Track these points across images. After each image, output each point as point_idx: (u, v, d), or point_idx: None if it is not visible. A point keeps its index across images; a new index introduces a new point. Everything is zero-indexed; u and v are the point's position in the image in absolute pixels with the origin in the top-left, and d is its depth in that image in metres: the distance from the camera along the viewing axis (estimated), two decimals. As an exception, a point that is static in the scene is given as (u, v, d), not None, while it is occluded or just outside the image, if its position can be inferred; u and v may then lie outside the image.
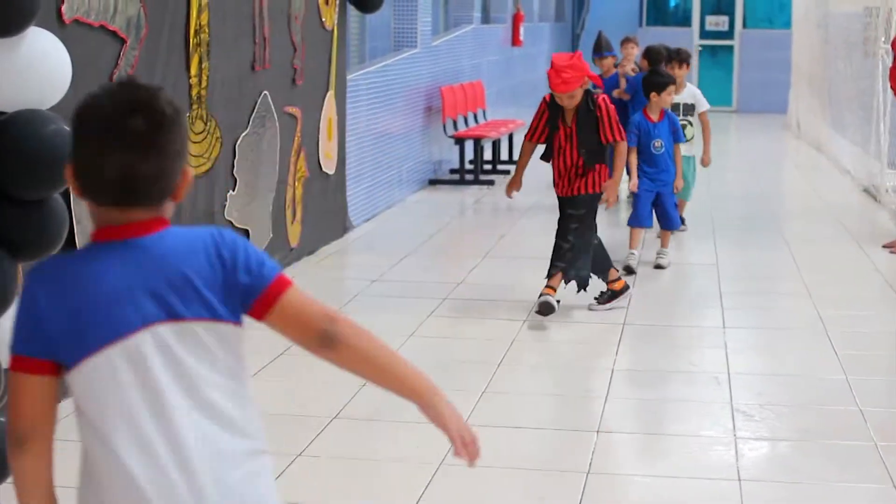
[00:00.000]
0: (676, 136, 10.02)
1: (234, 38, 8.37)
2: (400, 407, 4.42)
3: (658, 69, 10.85)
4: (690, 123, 11.10)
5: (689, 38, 26.38)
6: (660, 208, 10.00)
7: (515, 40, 20.17)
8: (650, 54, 13.11)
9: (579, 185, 8.23)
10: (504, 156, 16.66)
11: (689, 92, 11.37)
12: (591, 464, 5.54)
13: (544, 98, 8.39)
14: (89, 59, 6.34)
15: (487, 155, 15.97)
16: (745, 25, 26.55)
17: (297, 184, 9.76)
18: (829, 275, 9.65)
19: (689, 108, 11.25)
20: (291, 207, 9.65)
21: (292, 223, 9.67)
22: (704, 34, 26.72)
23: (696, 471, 5.51)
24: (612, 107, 8.14)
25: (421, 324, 6.94)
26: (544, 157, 8.52)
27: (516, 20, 20.12)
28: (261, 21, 8.79)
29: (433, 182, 14.45)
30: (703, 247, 10.81)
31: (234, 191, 8.45)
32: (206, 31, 7.78)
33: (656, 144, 9.86)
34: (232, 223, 8.45)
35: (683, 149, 10.48)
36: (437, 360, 6.23)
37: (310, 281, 9.40)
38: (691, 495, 5.24)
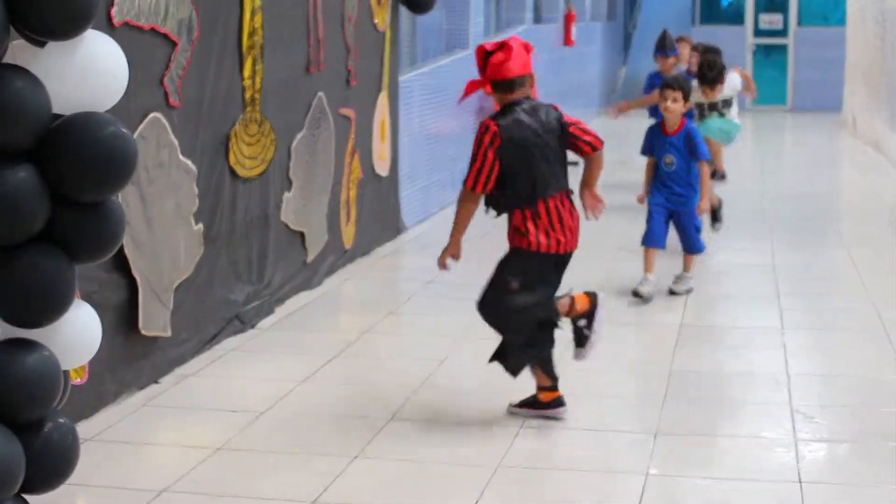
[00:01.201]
0: (695, 153, 8.81)
1: (289, 40, 8.37)
2: (457, 408, 4.45)
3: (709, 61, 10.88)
4: (726, 114, 11.41)
5: (742, 37, 26.23)
6: (679, 229, 9.03)
7: (567, 40, 20.11)
8: (708, 54, 13.08)
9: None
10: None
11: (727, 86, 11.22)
12: (649, 466, 5.50)
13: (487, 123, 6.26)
14: (139, 62, 6.35)
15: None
16: (799, 23, 26.34)
17: (351, 185, 9.76)
18: (887, 275, 9.54)
19: (727, 103, 11.37)
20: (346, 209, 9.65)
21: (346, 225, 9.67)
22: (758, 32, 26.54)
23: (756, 473, 5.45)
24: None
25: (474, 325, 6.86)
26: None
27: (568, 20, 20.05)
28: (315, 23, 8.79)
29: (486, 183, 14.38)
30: (760, 247, 10.72)
31: (289, 192, 8.45)
32: (260, 33, 7.78)
33: (666, 161, 8.87)
34: (287, 225, 8.45)
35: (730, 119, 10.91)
36: (484, 359, 6.22)
37: (364, 282, 9.40)
38: (751, 498, 5.19)
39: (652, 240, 8.90)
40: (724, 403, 6.47)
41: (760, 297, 8.85)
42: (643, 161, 9.20)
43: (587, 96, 22.97)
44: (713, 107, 10.94)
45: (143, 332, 6.53)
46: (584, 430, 6.05)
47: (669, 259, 9.18)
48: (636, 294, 8.61)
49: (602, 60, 24.68)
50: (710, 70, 10.69)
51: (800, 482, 5.30)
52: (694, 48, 13.55)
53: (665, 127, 8.94)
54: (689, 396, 6.59)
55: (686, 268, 9.04)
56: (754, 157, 18.16)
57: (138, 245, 6.44)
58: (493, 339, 6.24)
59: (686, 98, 8.88)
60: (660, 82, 13.02)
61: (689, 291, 8.89)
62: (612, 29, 26.13)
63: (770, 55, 26.43)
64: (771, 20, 26.46)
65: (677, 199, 8.89)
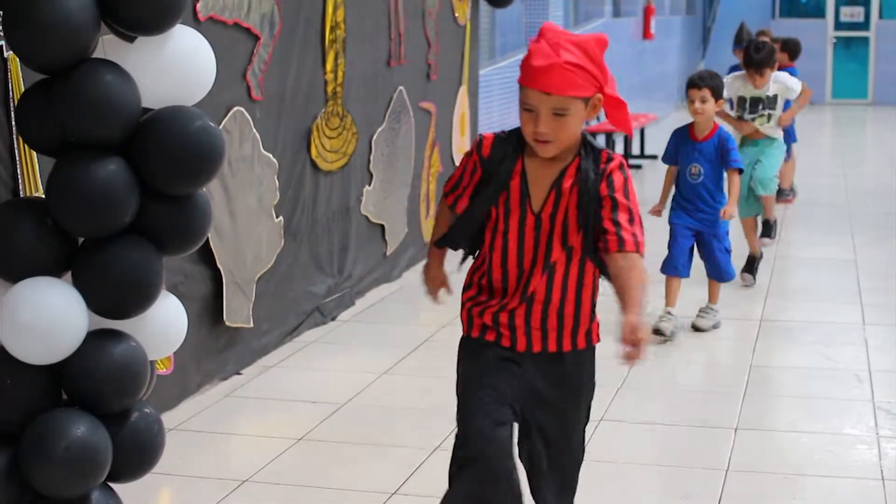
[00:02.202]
0: (726, 160, 7.57)
1: (371, 34, 8.41)
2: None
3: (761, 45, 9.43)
4: (771, 116, 9.48)
5: (822, 30, 25.99)
6: (704, 253, 7.74)
7: (646, 34, 20.05)
8: (789, 47, 12.92)
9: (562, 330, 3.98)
10: (636, 150, 16.56)
11: (775, 82, 9.52)
12: (730, 461, 5.49)
13: (481, 138, 3.96)
14: (223, 57, 6.38)
15: (619, 149, 15.88)
16: (881, 16, 26.06)
17: (431, 179, 9.79)
18: (971, 270, 9.44)
19: (772, 101, 9.49)
20: (426, 202, 9.68)
21: (426, 218, 9.70)
22: (839, 25, 26.28)
23: (839, 469, 5.42)
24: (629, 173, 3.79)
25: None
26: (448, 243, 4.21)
27: (647, 13, 19.99)
28: (396, 17, 8.82)
29: (565, 177, 14.34)
30: (842, 241, 10.63)
31: (370, 186, 8.49)
32: (343, 27, 7.83)
33: (692, 171, 7.61)
34: (368, 218, 8.50)
35: (768, 130, 9.39)
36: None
37: (443, 275, 9.41)
38: (833, 495, 5.16)
39: (674, 267, 7.64)
40: (805, 399, 6.43)
41: (842, 293, 8.78)
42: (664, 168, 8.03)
43: (666, 90, 22.86)
44: (757, 103, 9.43)
45: (227, 323, 6.60)
46: (663, 424, 6.04)
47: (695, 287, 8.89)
48: (657, 332, 7.33)
49: (681, 54, 24.55)
50: (758, 52, 9.34)
51: (882, 479, 5.26)
52: (774, 41, 13.43)
53: (694, 131, 7.67)
54: (770, 392, 6.56)
55: (712, 298, 7.81)
56: (835, 150, 18.01)
57: (222, 237, 6.51)
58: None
59: (718, 95, 7.57)
60: None
61: (716, 327, 7.73)
62: (691, 23, 25.98)
63: (851, 48, 26.16)
64: (852, 13, 26.18)
65: (704, 218, 7.61)
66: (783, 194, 12.68)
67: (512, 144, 3.87)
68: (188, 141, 3.79)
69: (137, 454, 4.00)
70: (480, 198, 3.86)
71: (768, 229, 9.97)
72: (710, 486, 5.19)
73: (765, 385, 6.64)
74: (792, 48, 12.88)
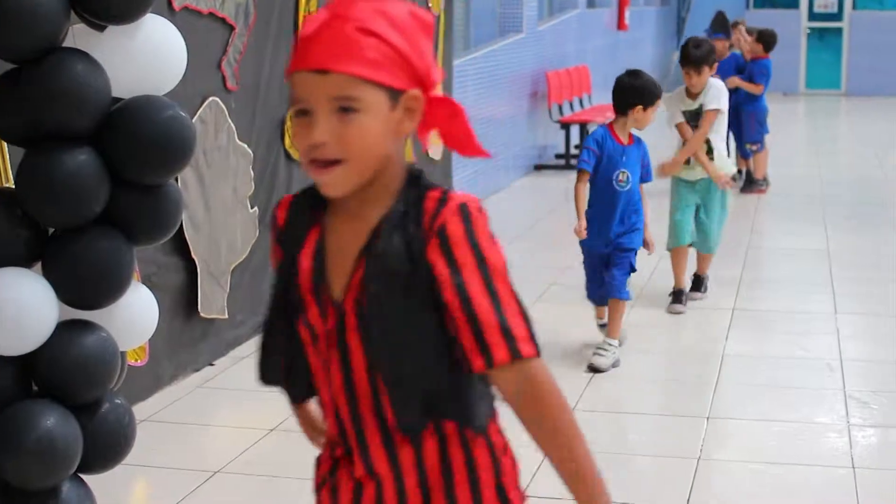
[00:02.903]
0: (646, 171, 6.89)
1: (343, 23, 8.38)
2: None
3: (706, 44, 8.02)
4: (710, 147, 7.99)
5: (796, 21, 26.05)
6: (608, 266, 6.82)
7: (621, 24, 20.07)
8: (764, 38, 12.93)
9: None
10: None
11: (709, 91, 8.00)
12: (701, 450, 5.50)
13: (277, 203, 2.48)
14: (198, 47, 6.40)
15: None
16: (854, 7, 26.14)
17: (404, 169, 9.78)
18: (943, 260, 9.48)
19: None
20: (398, 193, 9.67)
21: (399, 208, 9.69)
22: (813, 16, 26.36)
23: (810, 458, 5.44)
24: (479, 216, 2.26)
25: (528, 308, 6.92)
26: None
27: (621, 4, 20.01)
28: (368, 7, 8.80)
29: (539, 167, 14.40)
30: (814, 231, 10.67)
31: (342, 176, 8.48)
32: (315, 17, 7.81)
33: (620, 178, 6.71)
34: (340, 208, 8.48)
35: (706, 169, 7.86)
36: (544, 345, 6.22)
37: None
38: (804, 483, 5.18)
39: (599, 296, 7.03)
40: (777, 388, 6.45)
41: (814, 282, 8.81)
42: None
43: (640, 80, 22.86)
44: (697, 117, 7.95)
45: (201, 314, 6.59)
46: (636, 413, 6.05)
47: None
48: (593, 369, 6.59)
49: (655, 45, 24.59)
50: (698, 48, 7.97)
51: (853, 468, 5.29)
52: (749, 32, 13.44)
53: (618, 135, 6.78)
54: (741, 381, 6.58)
55: (611, 331, 6.78)
56: (808, 140, 18.07)
57: (197, 228, 6.50)
58: (546, 322, 6.22)
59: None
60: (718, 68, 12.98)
61: (615, 365, 6.68)
62: (665, 13, 26.03)
63: (825, 39, 26.24)
64: (826, 3, 26.26)
65: (625, 232, 6.77)
66: (756, 184, 12.72)
67: (309, 201, 2.38)
68: (158, 131, 3.78)
69: (108, 445, 3.99)
70: (273, 293, 2.45)
71: (699, 283, 8.36)
72: (681, 476, 5.20)
73: (737, 374, 6.66)
74: (767, 39, 12.88)
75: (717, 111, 7.87)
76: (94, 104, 3.70)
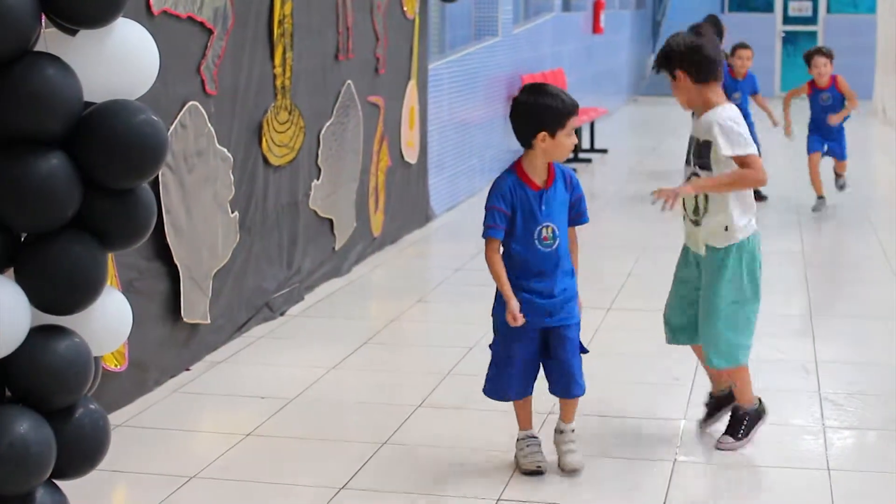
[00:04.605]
0: (578, 213, 5.26)
1: (318, 27, 8.39)
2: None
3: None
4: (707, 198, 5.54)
5: (771, 25, 26.13)
6: (553, 361, 5.23)
7: (596, 28, 20.09)
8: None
9: None
10: (585, 144, 16.60)
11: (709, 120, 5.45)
12: (677, 452, 5.51)
13: None
14: (177, 51, 6.41)
15: (569, 143, 15.92)
16: (828, 10, 26.24)
17: (379, 173, 9.77)
18: (917, 262, 9.52)
19: (705, 150, 5.46)
20: (374, 197, 9.67)
21: (375, 212, 9.69)
22: (788, 20, 26.46)
23: (785, 460, 5.45)
24: None
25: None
26: None
27: (597, 8, 20.04)
28: (344, 10, 8.80)
29: (515, 171, 14.35)
30: (789, 234, 10.70)
31: (318, 180, 8.48)
32: (290, 21, 7.80)
33: (544, 235, 5.13)
34: (316, 212, 8.47)
35: (711, 231, 5.52)
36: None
37: (393, 270, 9.42)
38: (779, 484, 5.19)
39: (515, 392, 5.30)
40: (753, 390, 6.45)
41: (789, 284, 8.83)
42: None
43: (616, 84, 22.92)
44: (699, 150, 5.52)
45: (185, 319, 6.59)
46: (613, 416, 6.06)
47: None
48: (529, 472, 5.26)
49: (631, 48, 24.63)
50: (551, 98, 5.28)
51: (828, 469, 5.30)
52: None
53: (531, 177, 5.16)
54: (718, 384, 6.59)
55: (567, 415, 5.37)
56: (783, 143, 18.09)
57: (179, 233, 6.49)
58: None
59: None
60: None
61: (577, 469, 5.28)
62: (640, 17, 26.07)
63: (799, 42, 26.32)
64: (800, 7, 26.37)
65: (558, 307, 5.19)
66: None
67: None
68: (131, 135, 3.76)
69: (82, 451, 3.97)
70: None
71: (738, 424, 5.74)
72: (658, 478, 5.21)
73: (713, 377, 6.67)
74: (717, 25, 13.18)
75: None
76: (66, 108, 3.68)
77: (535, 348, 5.20)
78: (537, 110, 5.12)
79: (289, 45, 7.81)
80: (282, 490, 5.12)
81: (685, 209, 5.60)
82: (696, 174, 5.50)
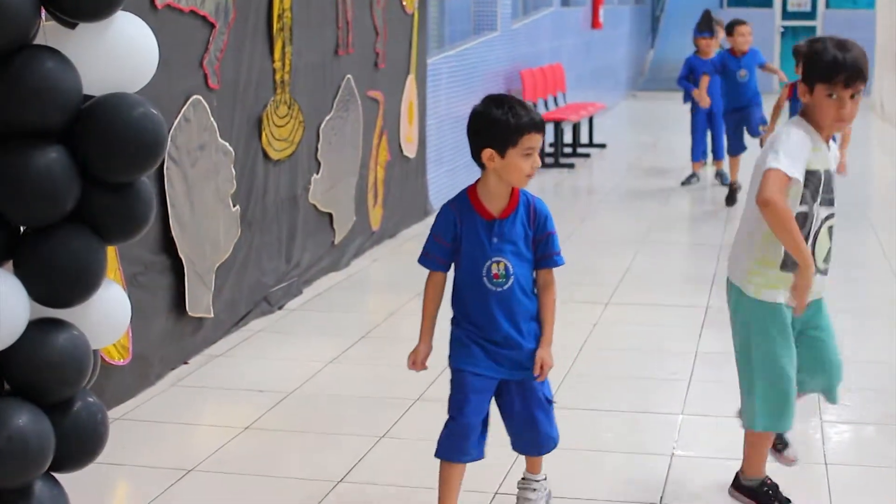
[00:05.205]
0: (544, 255, 4.45)
1: (318, 22, 8.39)
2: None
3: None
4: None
5: (770, 19, 26.13)
6: (512, 415, 4.59)
7: (595, 23, 20.09)
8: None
9: None
10: (584, 139, 16.60)
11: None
12: (675, 446, 5.52)
13: None
14: (181, 44, 6.42)
15: (568, 138, 15.92)
16: (827, 5, 26.25)
17: (378, 167, 9.78)
18: (915, 258, 9.52)
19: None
20: (373, 191, 9.67)
21: (374, 207, 9.70)
22: (786, 15, 26.47)
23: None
24: None
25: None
26: None
27: (596, 2, 20.04)
28: (343, 5, 8.80)
29: (513, 165, 14.34)
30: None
31: (317, 174, 8.48)
32: (289, 15, 7.80)
33: (494, 271, 4.39)
34: (315, 207, 8.48)
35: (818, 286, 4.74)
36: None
37: (391, 264, 9.42)
38: (777, 479, 5.19)
39: (466, 452, 4.53)
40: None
41: (787, 280, 8.82)
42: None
43: (615, 79, 22.93)
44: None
45: (189, 313, 6.60)
46: (610, 410, 6.06)
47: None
48: None
49: (629, 43, 24.63)
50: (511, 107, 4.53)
51: (825, 464, 5.31)
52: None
53: (485, 199, 4.50)
54: (715, 378, 6.60)
55: (533, 466, 4.80)
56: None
57: (183, 227, 6.50)
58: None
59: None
60: (701, 67, 13.02)
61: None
62: (639, 12, 26.07)
63: (798, 37, 26.32)
64: (799, 2, 26.39)
65: (511, 353, 4.46)
66: (724, 180, 12.79)
67: None
68: (130, 128, 3.76)
69: (80, 444, 3.97)
70: None
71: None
72: (655, 472, 5.22)
73: (710, 371, 6.68)
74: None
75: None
76: (65, 101, 3.68)
77: (486, 403, 4.48)
78: (485, 124, 4.37)
79: (288, 40, 7.81)
80: (278, 484, 5.12)
81: (816, 260, 4.63)
82: (831, 215, 4.65)
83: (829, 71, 4.43)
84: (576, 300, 8.11)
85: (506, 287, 4.37)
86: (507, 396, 4.50)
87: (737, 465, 5.27)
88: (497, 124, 4.31)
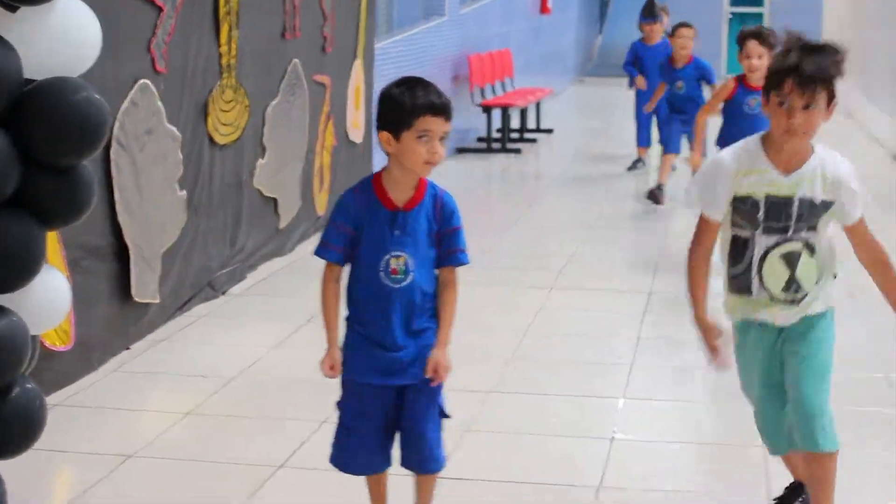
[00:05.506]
0: (448, 251, 4.09)
1: (265, 6, 8.36)
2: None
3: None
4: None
5: (718, 6, 26.25)
6: (405, 426, 4.18)
7: (544, 8, 20.12)
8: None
9: None
10: (531, 124, 16.63)
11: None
12: (615, 430, 5.55)
13: None
14: (128, 28, 6.38)
15: (515, 123, 15.93)
16: (775, -8, 26.39)
17: (324, 152, 9.76)
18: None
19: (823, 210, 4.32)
20: (319, 176, 9.66)
21: (320, 192, 9.68)
22: (734, 1, 26.57)
23: (724, 437, 5.51)
24: None
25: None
26: None
27: (545, -12, 20.06)
28: (289, -11, 8.78)
29: (460, 150, 14.42)
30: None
31: (263, 159, 8.46)
32: (235, -1, 7.78)
33: (393, 266, 4.03)
34: (260, 191, 8.46)
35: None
36: (464, 327, 6.23)
37: (337, 249, 9.41)
38: (717, 461, 5.24)
39: (361, 464, 4.25)
40: (693, 370, 6.49)
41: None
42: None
43: (563, 64, 22.98)
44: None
45: (136, 299, 6.57)
46: (553, 395, 6.09)
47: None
48: None
49: (578, 29, 24.68)
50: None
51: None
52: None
53: (389, 187, 4.06)
54: (657, 363, 6.64)
55: (424, 496, 4.31)
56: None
57: (130, 212, 6.47)
58: (467, 305, 6.24)
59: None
60: (645, 54, 13.00)
61: None
62: (588, -3, 26.11)
63: (746, 24, 26.44)
64: (747, -11, 26.50)
65: (405, 357, 4.08)
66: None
67: None
68: (72, 112, 3.75)
69: (18, 430, 3.95)
70: None
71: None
72: (596, 456, 5.24)
73: (653, 356, 6.72)
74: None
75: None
76: (6, 85, 3.66)
77: (386, 411, 4.13)
78: (382, 105, 4.05)
79: (235, 24, 7.78)
80: (219, 469, 5.12)
81: (767, 288, 4.25)
82: (809, 246, 4.23)
83: (776, 75, 4.13)
84: (522, 284, 8.14)
85: (403, 284, 4.02)
86: (403, 404, 4.13)
87: (677, 449, 5.32)
88: (393, 104, 4.00)
